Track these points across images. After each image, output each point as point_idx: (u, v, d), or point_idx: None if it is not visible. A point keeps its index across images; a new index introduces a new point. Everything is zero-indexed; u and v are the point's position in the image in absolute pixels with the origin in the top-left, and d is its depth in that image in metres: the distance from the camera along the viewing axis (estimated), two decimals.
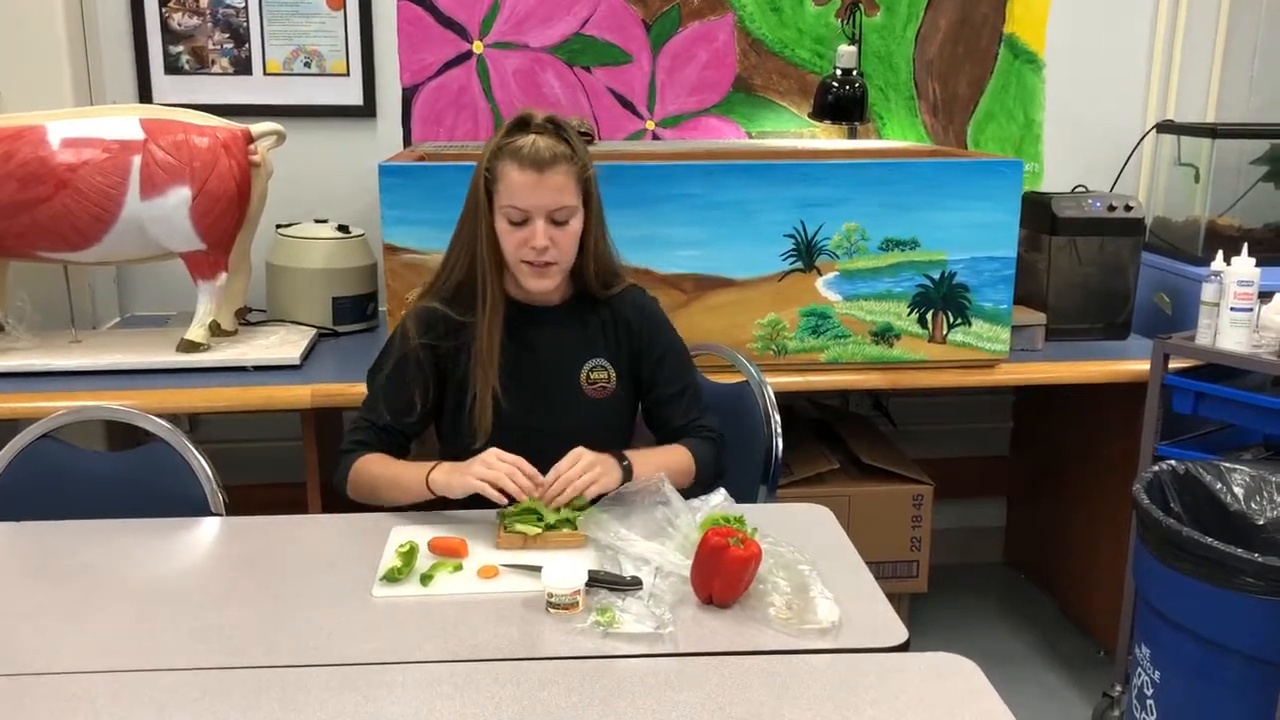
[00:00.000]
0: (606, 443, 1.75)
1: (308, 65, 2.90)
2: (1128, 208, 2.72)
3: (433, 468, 1.70)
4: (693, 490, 1.70)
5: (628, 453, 1.75)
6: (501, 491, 1.61)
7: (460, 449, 1.79)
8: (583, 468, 1.64)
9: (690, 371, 1.94)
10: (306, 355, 2.47)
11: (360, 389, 1.95)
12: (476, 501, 1.72)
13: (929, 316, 2.43)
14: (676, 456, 1.82)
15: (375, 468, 1.77)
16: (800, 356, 2.43)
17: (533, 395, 1.82)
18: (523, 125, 1.74)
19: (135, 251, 2.39)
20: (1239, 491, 2.15)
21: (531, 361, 1.83)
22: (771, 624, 1.39)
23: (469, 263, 1.79)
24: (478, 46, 2.93)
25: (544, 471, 1.66)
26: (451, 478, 1.66)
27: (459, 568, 1.53)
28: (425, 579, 1.50)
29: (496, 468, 1.62)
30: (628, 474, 1.69)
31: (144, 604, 1.46)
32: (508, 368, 1.80)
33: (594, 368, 1.85)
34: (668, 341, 1.91)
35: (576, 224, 1.75)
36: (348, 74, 2.91)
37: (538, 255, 1.73)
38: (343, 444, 1.83)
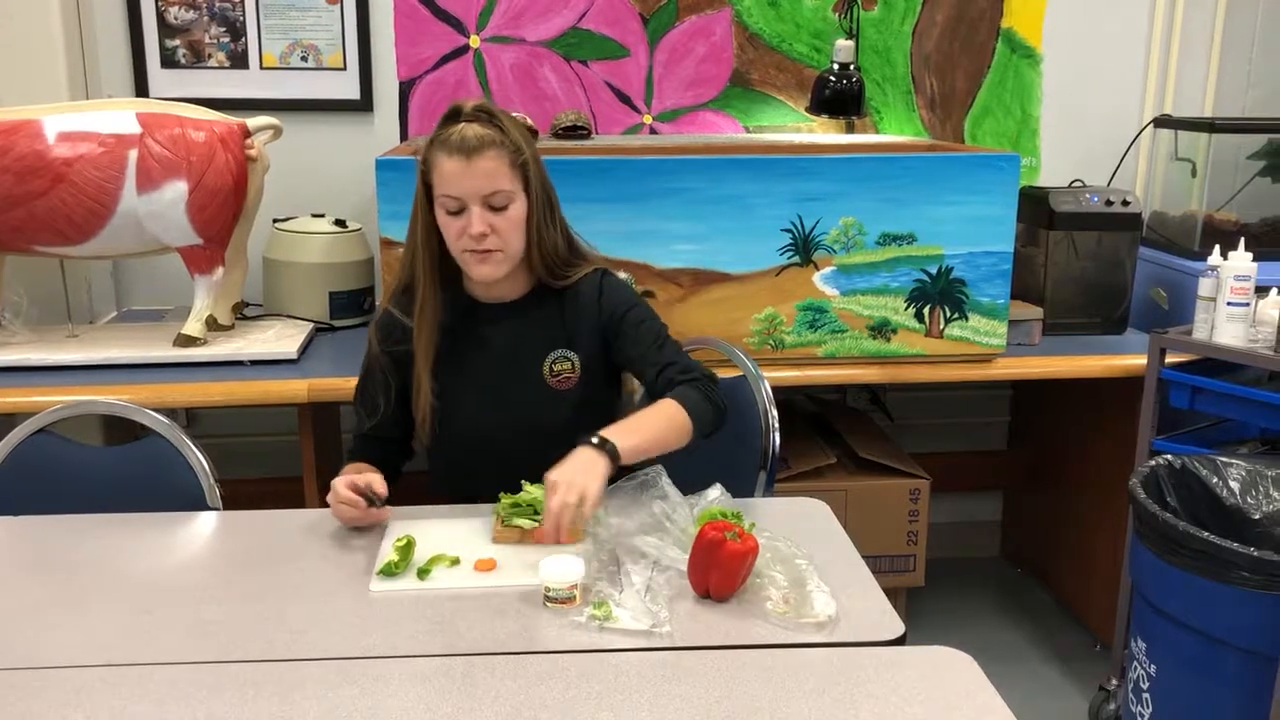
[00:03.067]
0: (581, 429, 1.63)
1: (304, 59, 2.89)
2: (1125, 202, 2.72)
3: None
4: (699, 439, 1.71)
5: (606, 431, 1.61)
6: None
7: (431, 448, 1.86)
8: (561, 499, 1.49)
9: (658, 327, 1.85)
10: (303, 349, 2.46)
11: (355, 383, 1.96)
12: (473, 496, 1.72)
13: (926, 311, 2.43)
14: (664, 412, 1.70)
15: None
16: (797, 351, 2.43)
17: (487, 394, 1.81)
18: (454, 116, 1.73)
19: (132, 246, 2.39)
20: (1235, 486, 2.15)
21: (486, 360, 1.81)
22: (768, 618, 1.39)
23: (412, 260, 1.79)
24: (474, 40, 2.92)
25: (520, 467, 1.64)
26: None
27: (456, 561, 1.53)
28: (422, 573, 1.50)
29: (335, 506, 1.65)
30: (613, 455, 1.58)
31: (141, 598, 1.46)
32: (459, 367, 1.80)
33: (557, 359, 1.81)
34: (629, 304, 1.84)
35: (517, 210, 1.72)
36: (344, 68, 2.91)
37: (476, 243, 1.70)
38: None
